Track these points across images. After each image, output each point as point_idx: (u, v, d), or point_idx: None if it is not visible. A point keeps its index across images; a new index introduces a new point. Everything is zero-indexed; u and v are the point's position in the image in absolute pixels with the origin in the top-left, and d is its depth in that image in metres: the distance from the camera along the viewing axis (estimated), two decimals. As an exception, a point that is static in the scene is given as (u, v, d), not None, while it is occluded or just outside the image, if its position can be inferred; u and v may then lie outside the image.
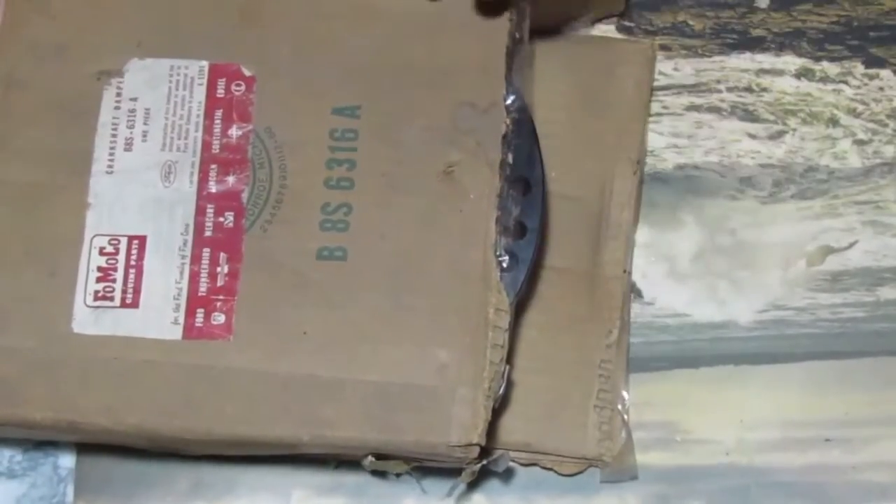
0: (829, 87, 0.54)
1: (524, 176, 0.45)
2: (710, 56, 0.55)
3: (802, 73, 0.54)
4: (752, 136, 0.54)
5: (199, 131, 0.45)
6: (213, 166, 0.45)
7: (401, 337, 0.43)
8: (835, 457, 0.50)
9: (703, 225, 0.53)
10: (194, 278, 0.43)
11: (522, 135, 0.45)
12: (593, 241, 0.50)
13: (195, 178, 0.45)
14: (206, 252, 0.44)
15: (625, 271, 0.50)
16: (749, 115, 0.54)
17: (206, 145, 0.45)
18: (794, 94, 0.54)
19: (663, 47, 0.55)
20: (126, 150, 0.45)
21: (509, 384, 0.46)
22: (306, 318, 0.43)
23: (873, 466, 0.50)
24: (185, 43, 0.46)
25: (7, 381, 0.43)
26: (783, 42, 0.55)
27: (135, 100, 0.45)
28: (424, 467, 0.47)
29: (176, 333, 0.43)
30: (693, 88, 0.54)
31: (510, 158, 0.44)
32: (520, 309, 0.47)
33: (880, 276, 0.52)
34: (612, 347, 0.49)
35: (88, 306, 0.43)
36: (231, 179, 0.44)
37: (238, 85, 0.45)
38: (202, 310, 0.43)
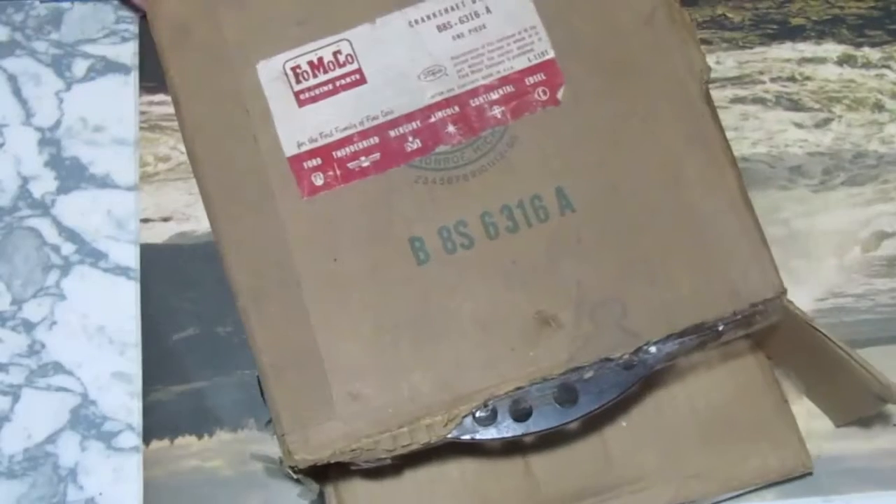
0: (872, 72, 0.54)
1: None
2: (751, 47, 0.55)
3: (844, 60, 0.55)
4: (799, 126, 0.54)
5: (486, 80, 0.45)
6: (455, 108, 0.45)
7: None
8: (902, 441, 0.50)
9: (754, 216, 0.53)
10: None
11: None
12: None
13: (433, 99, 0.44)
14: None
15: None
16: (794, 105, 0.54)
17: (472, 93, 0.45)
18: (837, 81, 0.54)
19: (704, 41, 0.55)
20: (440, 31, 0.45)
21: None
22: None
23: (942, 448, 0.50)
24: (569, 35, 0.45)
25: None
26: (823, 30, 0.55)
27: (489, 13, 0.45)
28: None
29: None
30: (736, 81, 0.54)
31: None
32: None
33: (936, 258, 0.52)
34: None
35: None
36: (452, 130, 0.44)
37: (543, 92, 0.45)
38: None
